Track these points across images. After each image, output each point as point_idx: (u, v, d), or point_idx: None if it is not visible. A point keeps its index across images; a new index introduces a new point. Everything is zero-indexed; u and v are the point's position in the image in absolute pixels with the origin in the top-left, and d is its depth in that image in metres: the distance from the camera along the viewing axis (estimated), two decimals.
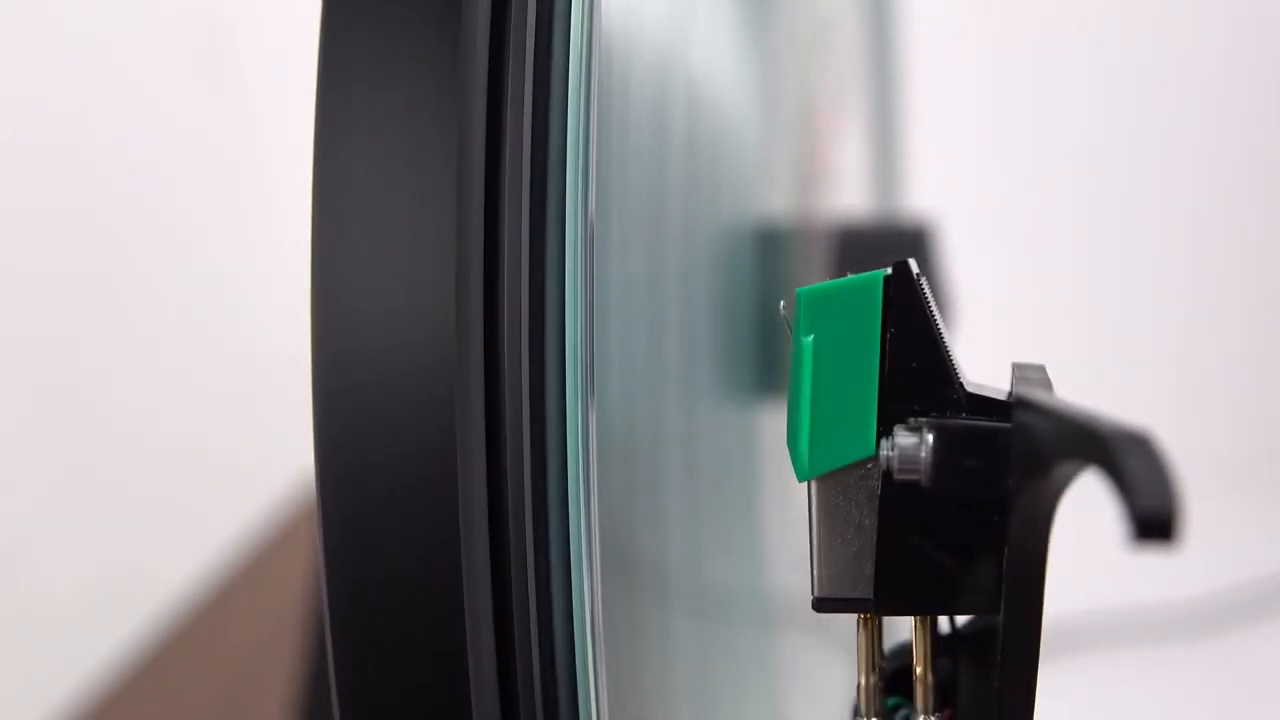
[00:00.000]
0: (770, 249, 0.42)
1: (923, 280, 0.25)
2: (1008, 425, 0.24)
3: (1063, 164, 1.14)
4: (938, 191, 0.78)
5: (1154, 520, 0.19)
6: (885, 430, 0.24)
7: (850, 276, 0.25)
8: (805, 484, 0.25)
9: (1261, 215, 1.14)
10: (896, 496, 0.24)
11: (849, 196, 0.56)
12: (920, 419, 0.24)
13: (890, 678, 0.26)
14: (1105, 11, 1.13)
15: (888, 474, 0.24)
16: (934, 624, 0.26)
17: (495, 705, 0.24)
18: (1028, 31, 1.12)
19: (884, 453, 0.24)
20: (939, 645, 0.26)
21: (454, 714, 0.24)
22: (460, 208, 0.23)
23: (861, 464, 0.25)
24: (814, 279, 0.48)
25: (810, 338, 0.25)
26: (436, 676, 0.24)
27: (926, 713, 0.26)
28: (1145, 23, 1.12)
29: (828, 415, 0.25)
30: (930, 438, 0.24)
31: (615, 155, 0.27)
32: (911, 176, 0.74)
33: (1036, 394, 0.24)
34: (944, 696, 0.26)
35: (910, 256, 0.25)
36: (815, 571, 0.25)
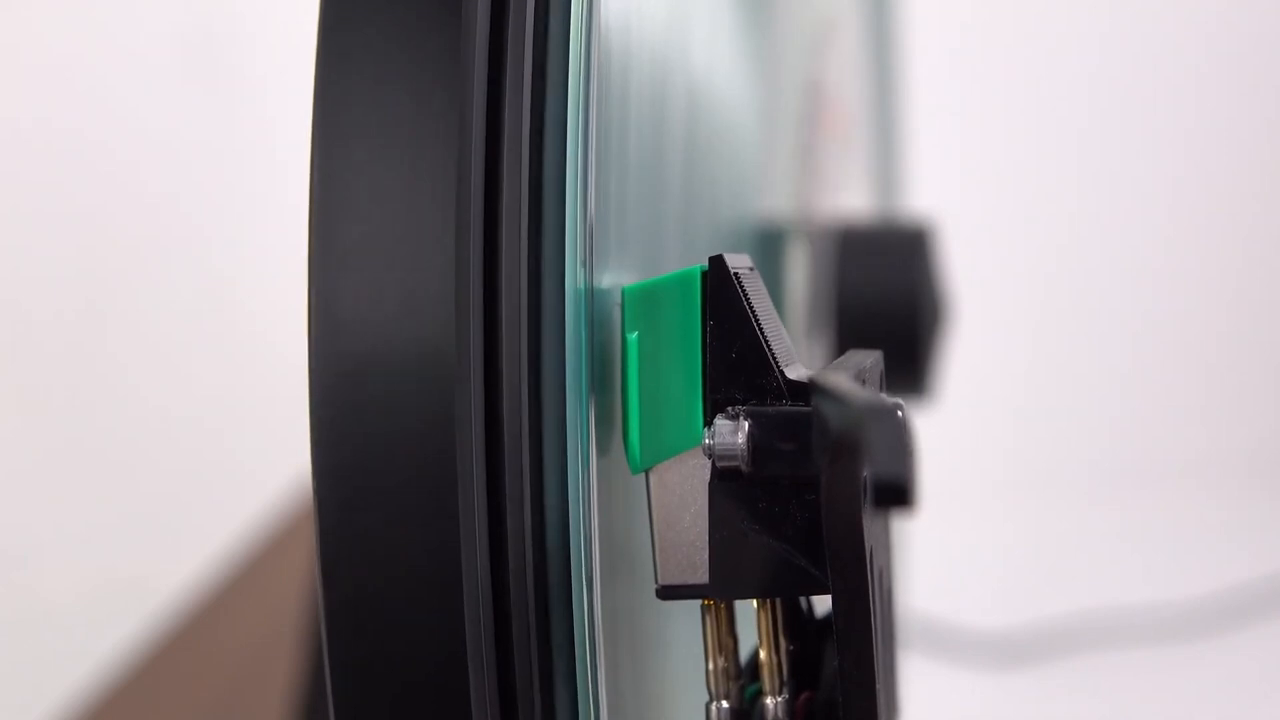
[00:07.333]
0: (771, 249, 0.42)
1: (741, 274, 0.25)
2: (810, 408, 0.25)
3: (1063, 164, 1.14)
4: (938, 191, 0.78)
5: (888, 485, 0.20)
6: (709, 420, 0.25)
7: (671, 273, 0.26)
8: (642, 476, 0.25)
9: (1262, 215, 1.14)
10: (723, 483, 0.25)
11: (849, 196, 0.56)
12: (740, 407, 0.25)
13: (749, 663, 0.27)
14: (1106, 12, 1.13)
15: (713, 461, 0.25)
16: (778, 607, 0.26)
17: (495, 705, 0.24)
18: (1028, 31, 1.12)
19: (706, 441, 0.25)
20: (800, 629, 0.27)
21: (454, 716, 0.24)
22: (460, 209, 0.23)
23: (694, 453, 0.25)
24: (813, 279, 0.48)
25: (635, 334, 0.25)
26: (434, 682, 0.24)
27: (774, 694, 0.26)
28: (1146, 23, 1.12)
29: (657, 408, 0.25)
30: (747, 424, 0.25)
31: (615, 154, 0.27)
32: (911, 176, 0.74)
33: (826, 376, 0.25)
34: (809, 679, 0.27)
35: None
36: (657, 560, 0.25)
